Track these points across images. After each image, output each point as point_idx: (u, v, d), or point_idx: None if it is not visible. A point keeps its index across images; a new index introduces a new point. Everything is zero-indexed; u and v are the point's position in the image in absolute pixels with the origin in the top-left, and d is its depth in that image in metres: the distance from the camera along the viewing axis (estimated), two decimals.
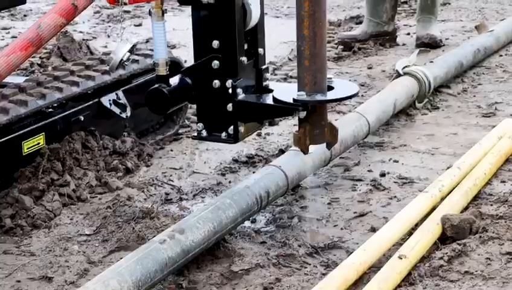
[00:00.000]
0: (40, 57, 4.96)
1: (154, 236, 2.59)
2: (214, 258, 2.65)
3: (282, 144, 3.65)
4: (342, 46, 5.26)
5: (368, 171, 3.35)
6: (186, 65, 3.53)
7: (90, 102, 3.37)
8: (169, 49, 3.74)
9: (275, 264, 2.62)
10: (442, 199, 2.90)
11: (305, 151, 2.61)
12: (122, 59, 2.61)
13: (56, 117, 3.21)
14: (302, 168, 3.04)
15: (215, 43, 2.68)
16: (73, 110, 3.29)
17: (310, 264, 2.63)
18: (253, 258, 2.63)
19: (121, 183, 3.25)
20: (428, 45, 5.16)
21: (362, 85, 4.46)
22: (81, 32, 5.93)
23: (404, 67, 4.04)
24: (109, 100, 3.43)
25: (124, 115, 3.45)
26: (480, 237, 2.64)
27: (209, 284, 2.53)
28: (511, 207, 2.85)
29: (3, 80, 3.18)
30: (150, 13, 2.64)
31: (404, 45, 5.35)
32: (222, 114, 2.71)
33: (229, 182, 3.31)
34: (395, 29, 5.38)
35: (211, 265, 2.62)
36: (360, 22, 5.66)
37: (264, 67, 2.83)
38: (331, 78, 2.64)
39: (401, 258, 2.48)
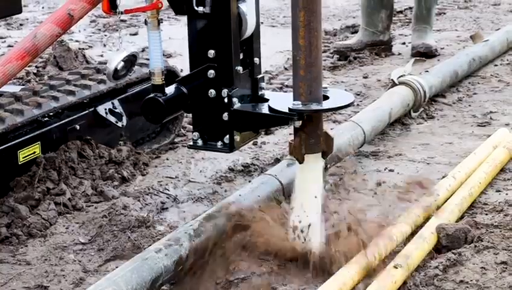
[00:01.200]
0: (36, 66, 4.97)
1: (150, 245, 2.59)
2: (209, 267, 2.65)
3: (278, 153, 3.65)
4: (337, 56, 5.27)
5: (363, 180, 3.35)
6: (182, 74, 3.54)
7: (86, 111, 3.38)
8: (165, 58, 3.75)
9: (270, 273, 2.62)
10: (438, 208, 2.90)
11: (300, 160, 2.61)
12: (116, 68, 2.62)
13: (52, 126, 3.21)
14: None
15: (211, 53, 2.69)
16: (69, 119, 3.29)
17: (306, 273, 2.62)
18: (249, 267, 2.63)
19: (117, 192, 3.25)
20: (424, 54, 5.17)
21: (358, 94, 4.47)
22: (77, 41, 5.93)
23: (399, 77, 4.05)
24: (105, 109, 3.43)
25: (119, 124, 3.46)
26: (476, 246, 2.65)
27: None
28: (506, 216, 2.86)
29: None
30: (145, 23, 2.65)
31: (399, 54, 5.36)
32: (218, 123, 2.72)
33: (225, 191, 3.31)
34: (390, 39, 5.39)
35: (208, 274, 2.62)
36: (356, 32, 5.68)
37: (259, 76, 2.84)
38: (326, 88, 2.65)
39: (397, 267, 2.48)
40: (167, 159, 3.65)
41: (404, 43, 5.59)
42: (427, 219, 2.83)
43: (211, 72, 2.69)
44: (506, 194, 3.14)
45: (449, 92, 4.46)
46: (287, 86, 4.64)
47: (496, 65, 4.99)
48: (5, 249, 2.84)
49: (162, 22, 2.66)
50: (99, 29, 6.33)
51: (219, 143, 2.75)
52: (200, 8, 2.68)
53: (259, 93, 2.83)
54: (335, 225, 2.74)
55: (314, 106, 2.56)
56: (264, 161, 3.57)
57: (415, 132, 3.93)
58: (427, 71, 4.47)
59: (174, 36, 5.66)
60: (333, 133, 2.65)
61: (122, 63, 2.62)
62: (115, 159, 3.41)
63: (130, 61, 2.69)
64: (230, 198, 2.82)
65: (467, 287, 2.45)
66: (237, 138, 2.75)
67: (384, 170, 3.46)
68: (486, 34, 5.45)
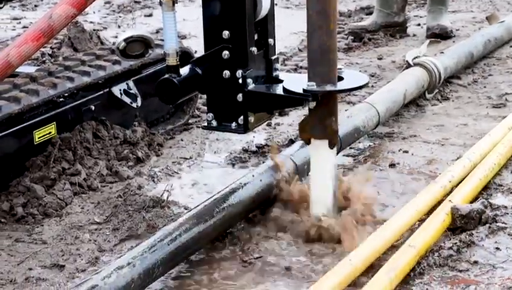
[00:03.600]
0: (51, 47, 4.98)
1: (165, 225, 2.60)
2: (225, 246, 2.67)
3: (292, 134, 3.65)
4: (352, 37, 5.25)
5: (378, 161, 3.36)
6: (197, 55, 3.54)
7: (101, 92, 3.39)
8: (179, 39, 3.75)
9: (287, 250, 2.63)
10: (452, 189, 2.90)
11: (306, 141, 2.62)
12: (118, 47, 2.62)
13: (67, 107, 3.23)
14: None
15: (226, 34, 2.69)
16: (84, 99, 3.31)
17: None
18: (268, 244, 2.64)
19: (132, 173, 3.27)
20: (439, 35, 5.15)
21: (372, 76, 4.46)
22: (91, 22, 5.94)
23: (414, 58, 4.04)
24: (120, 90, 3.44)
25: (134, 105, 3.47)
26: (490, 227, 2.65)
27: (221, 270, 2.54)
28: None
29: (15, 70, 3.19)
30: (160, 3, 2.65)
31: (414, 35, 5.34)
32: (232, 104, 2.72)
33: (239, 171, 3.31)
34: (405, 20, 5.37)
35: (223, 253, 2.63)
36: (371, 13, 5.66)
37: (274, 57, 2.84)
38: (341, 69, 2.64)
39: (411, 248, 2.49)
40: (181, 140, 3.66)
41: (419, 25, 5.57)
42: (441, 200, 2.83)
43: (226, 53, 2.69)
44: None
45: (464, 74, 4.44)
46: (301, 68, 4.64)
47: (511, 46, 4.96)
48: (22, 229, 2.86)
49: (176, 3, 2.65)
50: (114, 11, 6.34)
51: (233, 124, 2.76)
52: None
53: (274, 74, 2.83)
54: (350, 204, 2.76)
55: (329, 87, 2.56)
56: (278, 142, 3.57)
57: (429, 114, 3.92)
58: (442, 52, 4.45)
59: (188, 17, 5.66)
60: (337, 126, 2.64)
61: (123, 43, 2.61)
62: (129, 139, 3.42)
63: (142, 43, 2.68)
64: (243, 179, 2.83)
65: (481, 267, 2.46)
66: (251, 118, 2.75)
67: (399, 151, 3.45)
68: (502, 15, 5.41)
